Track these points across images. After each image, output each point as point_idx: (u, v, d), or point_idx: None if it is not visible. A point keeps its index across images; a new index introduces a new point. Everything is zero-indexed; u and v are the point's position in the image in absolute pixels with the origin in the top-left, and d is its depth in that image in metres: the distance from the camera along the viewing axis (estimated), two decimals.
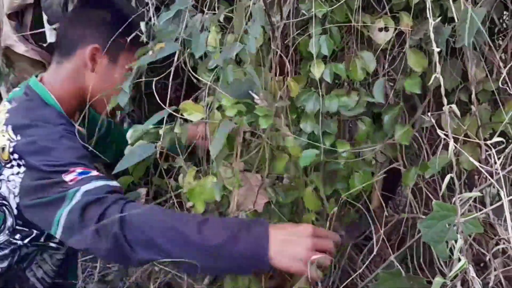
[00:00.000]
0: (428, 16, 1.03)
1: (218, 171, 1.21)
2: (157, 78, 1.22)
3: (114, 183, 1.29)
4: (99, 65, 1.44)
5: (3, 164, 1.33)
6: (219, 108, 1.22)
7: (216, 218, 1.26)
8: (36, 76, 1.49)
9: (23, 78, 2.03)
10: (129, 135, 1.31)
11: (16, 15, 2.00)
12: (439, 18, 1.09)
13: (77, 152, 1.32)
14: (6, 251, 1.41)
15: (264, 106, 1.06)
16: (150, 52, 1.14)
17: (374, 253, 1.20)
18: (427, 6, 1.03)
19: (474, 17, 1.05)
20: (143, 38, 1.19)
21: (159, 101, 1.25)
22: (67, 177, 1.25)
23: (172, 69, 1.28)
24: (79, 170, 1.26)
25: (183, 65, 1.39)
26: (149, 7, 1.29)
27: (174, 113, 1.18)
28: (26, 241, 1.39)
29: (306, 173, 1.26)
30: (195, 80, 1.33)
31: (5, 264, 1.41)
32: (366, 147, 1.23)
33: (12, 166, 1.32)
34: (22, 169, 1.31)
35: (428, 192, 1.30)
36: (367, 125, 1.25)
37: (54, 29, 1.84)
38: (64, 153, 1.30)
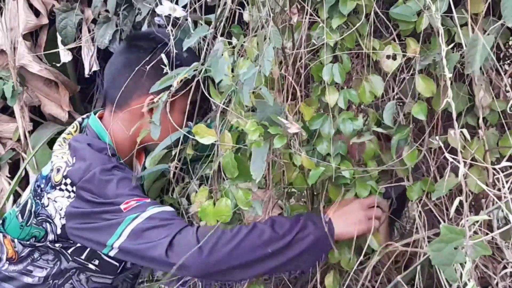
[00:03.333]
0: (440, 42, 1.05)
1: (230, 191, 1.24)
2: (172, 99, 1.24)
3: (170, 208, 1.32)
4: None
5: (53, 185, 1.36)
6: (230, 129, 1.26)
7: (278, 217, 1.32)
8: (95, 113, 1.48)
9: (36, 97, 2.08)
10: (148, 161, 1.34)
11: (31, 36, 2.05)
12: (451, 45, 1.11)
13: (129, 183, 1.33)
14: (50, 257, 1.42)
15: (296, 129, 1.11)
16: (175, 83, 1.16)
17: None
18: (440, 33, 1.06)
19: (485, 44, 1.07)
20: (166, 69, 1.19)
21: (172, 122, 1.28)
22: (122, 207, 1.28)
23: (191, 91, 1.30)
24: (133, 202, 1.29)
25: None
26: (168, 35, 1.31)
27: (187, 135, 1.21)
28: (69, 251, 1.40)
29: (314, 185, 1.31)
30: (214, 102, 1.36)
31: (43, 273, 1.43)
32: (373, 167, 1.27)
33: (61, 190, 1.35)
34: (72, 195, 1.34)
35: (436, 214, 1.31)
36: (374, 145, 1.28)
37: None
38: (117, 186, 1.31)
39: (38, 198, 1.39)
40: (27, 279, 1.43)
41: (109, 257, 1.39)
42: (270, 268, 1.25)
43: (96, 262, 1.41)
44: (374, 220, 1.28)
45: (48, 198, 1.36)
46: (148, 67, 1.35)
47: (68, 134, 1.45)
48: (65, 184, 1.34)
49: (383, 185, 1.30)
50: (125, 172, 1.36)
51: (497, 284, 1.22)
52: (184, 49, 1.25)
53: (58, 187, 1.35)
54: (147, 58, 1.37)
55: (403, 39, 1.23)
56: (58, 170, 1.35)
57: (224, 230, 1.24)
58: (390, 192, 1.35)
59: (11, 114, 2.14)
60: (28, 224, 1.41)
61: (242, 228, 1.25)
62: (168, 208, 1.31)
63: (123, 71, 1.43)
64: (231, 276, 1.26)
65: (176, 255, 1.22)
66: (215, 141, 1.18)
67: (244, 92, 1.10)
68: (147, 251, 1.24)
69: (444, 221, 1.28)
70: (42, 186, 1.38)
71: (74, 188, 1.33)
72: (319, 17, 1.22)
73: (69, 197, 1.34)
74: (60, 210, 1.34)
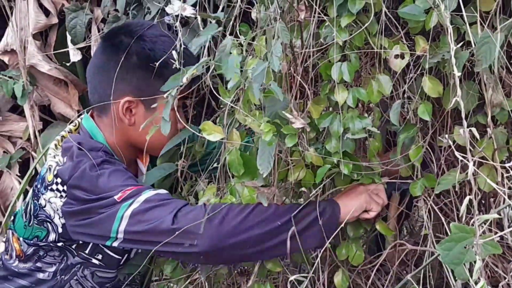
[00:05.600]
0: (449, 40, 1.05)
1: (236, 189, 1.24)
2: (179, 96, 1.24)
3: (164, 191, 1.31)
4: (137, 116, 1.38)
5: (46, 186, 1.35)
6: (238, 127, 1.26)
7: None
8: (88, 112, 1.45)
9: (45, 96, 2.09)
10: (158, 160, 1.34)
11: (41, 35, 2.06)
12: (460, 44, 1.11)
13: (121, 175, 1.32)
14: (56, 253, 1.41)
15: (300, 124, 1.12)
16: (185, 79, 1.16)
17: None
18: (449, 31, 1.05)
19: (495, 42, 1.07)
20: (176, 65, 1.19)
21: (180, 120, 1.28)
22: (116, 197, 1.27)
23: (195, 89, 1.31)
24: (127, 191, 1.28)
25: (203, 86, 1.42)
26: (176, 32, 1.30)
27: (196, 133, 1.21)
28: (73, 247, 1.39)
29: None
30: (213, 102, 1.36)
31: (52, 269, 1.42)
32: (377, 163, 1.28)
33: (52, 190, 1.34)
34: (64, 194, 1.33)
35: (444, 213, 1.31)
36: (377, 141, 1.29)
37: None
38: (109, 180, 1.30)
39: (36, 199, 1.38)
40: (39, 275, 1.43)
41: (113, 250, 1.39)
42: (280, 241, 1.23)
43: (99, 256, 1.40)
44: (375, 204, 1.28)
45: (44, 199, 1.35)
46: (118, 70, 1.32)
47: (68, 132, 1.44)
48: (56, 183, 1.33)
49: (386, 180, 1.31)
50: (116, 165, 1.35)
51: (508, 283, 1.21)
52: (194, 48, 1.23)
53: (49, 187, 1.34)
54: (122, 57, 1.34)
55: (413, 37, 1.23)
56: (50, 169, 1.35)
57: (231, 205, 1.23)
58: (400, 185, 1.35)
59: (21, 114, 2.16)
60: (30, 225, 1.40)
61: (248, 204, 1.24)
62: (163, 191, 1.30)
63: (97, 74, 1.41)
64: (242, 252, 1.24)
65: (183, 224, 1.20)
66: (222, 139, 1.18)
67: (255, 89, 1.10)
68: (154, 230, 1.22)
69: (454, 221, 1.28)
70: (39, 186, 1.38)
71: (65, 187, 1.32)
72: (328, 16, 1.22)
73: (61, 197, 1.33)
74: (57, 210, 1.34)
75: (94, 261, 1.41)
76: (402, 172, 1.31)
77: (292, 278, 1.21)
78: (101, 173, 1.30)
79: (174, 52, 1.20)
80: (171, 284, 1.56)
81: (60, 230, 1.36)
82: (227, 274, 1.45)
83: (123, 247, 1.34)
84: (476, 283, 0.98)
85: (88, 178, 1.30)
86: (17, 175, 2.14)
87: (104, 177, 1.30)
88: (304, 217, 1.24)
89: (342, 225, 1.26)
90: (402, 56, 1.20)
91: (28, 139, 2.12)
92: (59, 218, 1.35)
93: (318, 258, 1.26)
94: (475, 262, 0.98)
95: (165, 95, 1.23)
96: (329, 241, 1.24)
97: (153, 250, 1.24)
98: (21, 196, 1.98)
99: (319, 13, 1.21)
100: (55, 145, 1.41)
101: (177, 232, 1.20)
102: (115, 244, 1.29)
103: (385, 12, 1.19)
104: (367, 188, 1.29)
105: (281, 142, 1.18)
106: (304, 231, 1.24)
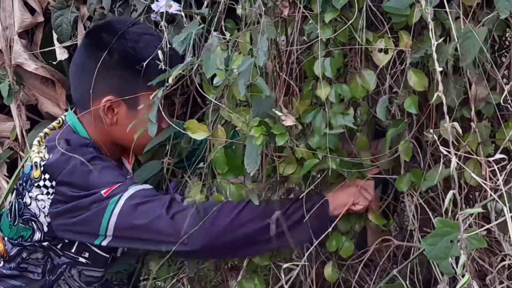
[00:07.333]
0: (430, 36, 1.05)
1: (224, 186, 1.25)
2: (165, 92, 1.23)
3: (149, 186, 1.33)
4: (120, 115, 1.36)
5: (33, 182, 1.34)
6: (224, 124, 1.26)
7: None
8: (72, 108, 1.44)
9: (32, 95, 2.08)
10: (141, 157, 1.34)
11: (27, 34, 2.05)
12: (442, 39, 1.10)
13: (112, 172, 1.32)
14: (39, 255, 1.40)
15: (291, 122, 1.13)
16: (171, 79, 1.16)
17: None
18: (430, 27, 1.05)
19: (476, 36, 1.07)
20: (162, 65, 1.18)
21: (166, 117, 1.28)
22: (102, 192, 1.27)
23: (179, 86, 1.30)
24: (114, 186, 1.28)
25: (188, 83, 1.42)
26: (162, 31, 1.29)
27: (181, 130, 1.21)
28: (58, 247, 1.38)
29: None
30: (198, 99, 1.36)
31: (39, 270, 1.41)
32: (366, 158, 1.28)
33: (39, 186, 1.32)
34: (51, 191, 1.31)
35: (431, 208, 1.31)
36: (364, 135, 1.29)
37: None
38: (99, 176, 1.29)
39: (20, 197, 1.37)
40: (28, 275, 1.42)
41: (100, 248, 1.37)
42: (271, 237, 1.24)
43: (86, 254, 1.38)
44: (363, 198, 1.29)
45: (30, 196, 1.34)
46: (97, 67, 1.31)
47: (52, 129, 1.43)
48: (44, 179, 1.31)
49: (372, 174, 1.31)
50: (106, 162, 1.34)
51: (495, 277, 1.21)
52: (174, 45, 1.23)
53: (36, 184, 1.32)
54: (103, 55, 1.33)
55: (396, 32, 1.23)
56: (36, 166, 1.33)
57: (222, 204, 1.25)
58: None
59: (8, 113, 2.14)
60: (15, 224, 1.39)
61: (239, 202, 1.25)
62: (148, 186, 1.32)
63: (78, 72, 1.40)
64: (233, 250, 1.26)
65: (180, 223, 1.21)
66: (208, 137, 1.17)
67: (240, 85, 1.09)
68: (150, 225, 1.23)
69: (442, 215, 1.28)
70: (24, 184, 1.36)
71: (54, 183, 1.30)
72: (312, 11, 1.21)
73: (48, 193, 1.31)
74: (43, 208, 1.32)
75: (81, 259, 1.39)
76: (382, 165, 1.31)
77: (284, 266, 1.23)
78: (93, 168, 1.30)
79: (159, 52, 1.19)
80: (159, 283, 1.56)
81: (45, 228, 1.35)
82: (214, 272, 1.44)
83: (111, 246, 1.33)
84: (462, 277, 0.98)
85: (79, 174, 1.29)
86: (5, 175, 2.12)
87: (95, 173, 1.29)
88: (294, 213, 1.25)
89: (337, 220, 1.27)
90: (386, 51, 1.20)
91: (16, 139, 2.10)
92: (45, 217, 1.33)
93: (313, 248, 1.27)
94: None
95: (151, 96, 1.23)
96: (324, 235, 1.25)
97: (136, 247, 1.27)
98: (9, 196, 1.97)
99: (303, 10, 1.20)
100: (38, 141, 1.40)
101: (175, 236, 1.22)
102: (104, 243, 1.29)
103: (370, 7, 1.18)
104: (356, 183, 1.29)
105: (268, 143, 1.18)
106: (295, 226, 1.25)
